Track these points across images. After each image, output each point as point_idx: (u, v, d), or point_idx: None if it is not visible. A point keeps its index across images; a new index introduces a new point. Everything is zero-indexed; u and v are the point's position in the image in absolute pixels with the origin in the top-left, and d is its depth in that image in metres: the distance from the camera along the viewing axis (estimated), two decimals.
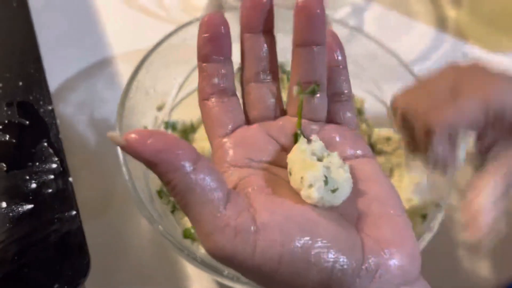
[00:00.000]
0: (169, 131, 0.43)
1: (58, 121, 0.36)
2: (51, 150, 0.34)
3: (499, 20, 0.54)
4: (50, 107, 0.36)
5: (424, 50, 0.56)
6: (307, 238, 0.19)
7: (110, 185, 0.41)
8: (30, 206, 0.32)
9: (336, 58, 0.25)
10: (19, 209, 0.31)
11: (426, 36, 0.57)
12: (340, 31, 0.44)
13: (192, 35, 0.44)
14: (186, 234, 0.37)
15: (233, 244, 0.19)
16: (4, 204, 0.31)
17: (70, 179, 0.33)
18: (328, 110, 0.25)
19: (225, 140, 0.23)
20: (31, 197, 0.32)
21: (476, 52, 0.55)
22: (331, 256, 0.19)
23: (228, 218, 0.19)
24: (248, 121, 0.24)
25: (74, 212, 0.32)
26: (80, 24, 0.53)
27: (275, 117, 0.24)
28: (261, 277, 0.20)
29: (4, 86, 0.36)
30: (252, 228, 0.19)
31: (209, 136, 0.24)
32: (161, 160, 0.18)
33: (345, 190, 0.21)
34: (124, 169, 0.35)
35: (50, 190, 0.32)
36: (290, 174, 0.21)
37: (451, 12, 0.60)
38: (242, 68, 0.24)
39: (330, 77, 0.24)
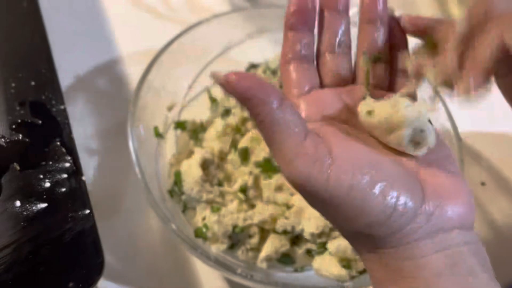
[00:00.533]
0: (179, 131, 0.43)
1: (70, 121, 0.36)
2: (63, 149, 0.34)
3: None
4: (62, 107, 0.36)
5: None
6: (375, 172, 0.22)
7: (122, 185, 0.41)
8: (44, 205, 0.32)
9: (396, 38, 0.28)
10: (33, 208, 0.31)
11: None
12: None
13: (201, 35, 0.44)
14: (198, 233, 0.37)
15: (311, 170, 0.21)
16: (18, 203, 0.31)
17: (83, 178, 0.33)
18: (390, 82, 0.28)
19: (301, 99, 0.26)
20: (44, 196, 0.32)
21: None
22: (395, 192, 0.21)
23: (307, 148, 0.21)
24: (321, 87, 0.28)
25: (87, 211, 0.32)
26: (89, 26, 0.53)
27: (346, 85, 0.28)
28: (329, 206, 0.22)
29: (17, 85, 0.36)
30: (327, 158, 0.22)
31: (287, 95, 0.27)
32: (253, 96, 0.21)
33: (431, 141, 0.23)
34: (137, 169, 0.35)
35: (63, 189, 0.32)
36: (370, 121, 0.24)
37: (455, 11, 0.60)
38: (319, 41, 0.28)
39: (393, 55, 0.28)
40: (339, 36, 0.27)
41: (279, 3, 0.53)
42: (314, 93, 0.26)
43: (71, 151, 0.34)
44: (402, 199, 0.21)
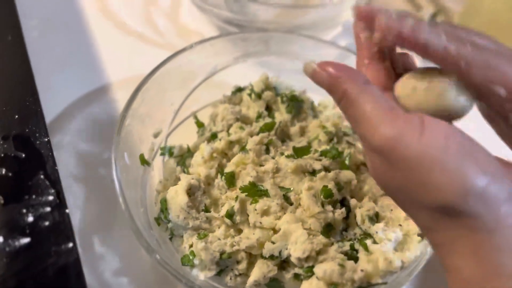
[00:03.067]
0: (166, 157, 0.43)
1: (54, 152, 0.36)
2: (47, 182, 0.34)
3: (491, 33, 0.54)
4: (46, 139, 0.36)
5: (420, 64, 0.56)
6: (469, 141, 0.22)
7: (110, 215, 0.41)
8: (27, 240, 0.32)
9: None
10: (16, 243, 0.31)
11: None
12: (332, 52, 0.45)
13: (187, 60, 0.45)
14: (184, 261, 0.36)
15: (401, 130, 0.21)
16: (1, 239, 0.31)
17: (67, 210, 0.33)
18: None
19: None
20: (28, 231, 0.32)
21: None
22: (492, 158, 0.21)
23: (397, 114, 0.22)
24: None
25: (71, 244, 0.32)
26: (77, 53, 0.54)
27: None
28: (420, 167, 0.21)
29: (1, 119, 0.37)
30: (418, 119, 0.22)
31: None
32: (341, 74, 0.24)
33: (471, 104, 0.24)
34: (120, 198, 0.35)
35: (46, 223, 0.33)
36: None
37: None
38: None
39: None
40: None
41: (265, 27, 0.54)
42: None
43: (55, 183, 0.34)
44: (498, 168, 0.21)
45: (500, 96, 0.22)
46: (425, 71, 0.26)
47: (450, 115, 0.25)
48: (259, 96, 0.45)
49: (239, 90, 0.47)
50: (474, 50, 0.23)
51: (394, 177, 0.22)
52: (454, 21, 0.59)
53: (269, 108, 0.46)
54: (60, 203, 0.33)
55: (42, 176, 0.34)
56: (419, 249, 0.35)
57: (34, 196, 0.33)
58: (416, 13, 0.26)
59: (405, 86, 0.26)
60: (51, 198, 0.34)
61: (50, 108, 0.47)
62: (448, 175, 0.20)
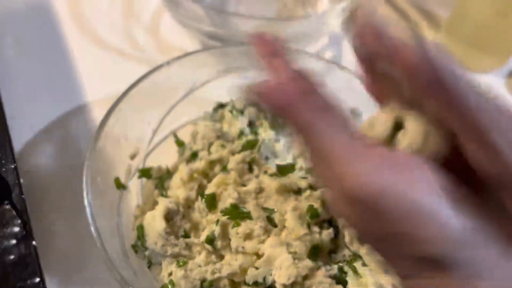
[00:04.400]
0: (144, 180, 0.41)
1: (22, 180, 0.34)
2: (13, 212, 0.32)
3: (478, 40, 0.52)
4: (12, 166, 0.34)
5: None
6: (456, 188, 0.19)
7: (84, 245, 0.38)
8: None
9: None
10: None
11: None
12: (316, 64, 0.43)
13: (164, 77, 0.43)
14: None
15: (390, 173, 0.18)
16: None
17: (34, 243, 0.31)
18: None
19: None
20: None
21: None
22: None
23: (380, 154, 0.19)
24: None
25: (37, 279, 0.30)
26: (54, 72, 0.52)
27: None
28: (407, 219, 0.18)
29: None
30: (408, 164, 0.19)
31: None
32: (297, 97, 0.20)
33: None
34: (92, 227, 0.33)
35: (12, 257, 0.30)
36: None
37: (429, 35, 0.60)
38: None
39: None
40: None
41: (243, 40, 0.52)
42: None
43: (22, 213, 0.32)
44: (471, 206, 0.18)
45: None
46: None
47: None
48: (241, 112, 0.44)
49: (221, 106, 0.45)
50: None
51: (377, 228, 0.19)
52: (442, 27, 0.58)
53: (252, 124, 0.44)
54: (26, 235, 0.31)
55: (7, 206, 0.32)
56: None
57: None
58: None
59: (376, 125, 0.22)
60: (17, 229, 0.32)
61: (22, 131, 0.45)
62: (443, 226, 0.18)
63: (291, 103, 0.19)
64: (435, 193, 0.18)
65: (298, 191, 0.37)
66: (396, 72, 0.20)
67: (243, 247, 0.35)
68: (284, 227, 0.36)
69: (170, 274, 0.35)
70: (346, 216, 0.20)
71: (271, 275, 0.34)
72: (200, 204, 0.38)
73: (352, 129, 0.19)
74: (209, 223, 0.37)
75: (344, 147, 0.19)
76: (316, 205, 0.36)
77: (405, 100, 0.21)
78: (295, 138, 0.20)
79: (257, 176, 0.39)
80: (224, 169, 0.39)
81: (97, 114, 0.49)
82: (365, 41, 0.21)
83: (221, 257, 0.36)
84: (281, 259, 0.34)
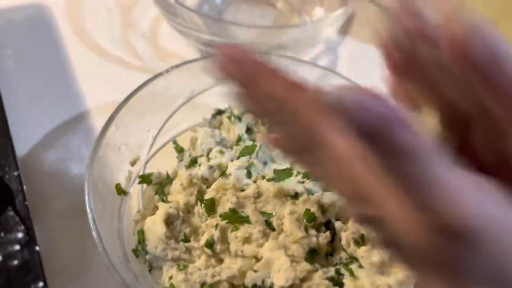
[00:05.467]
0: (144, 186, 0.41)
1: (25, 187, 0.34)
2: (17, 218, 0.33)
3: None
4: (15, 173, 0.35)
5: None
6: None
7: (86, 250, 0.39)
8: None
9: None
10: None
11: None
12: (312, 71, 0.44)
13: (164, 85, 0.44)
14: None
15: (486, 198, 0.16)
16: None
17: (37, 248, 0.32)
18: None
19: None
20: None
21: None
22: None
23: (466, 176, 0.16)
24: None
25: (41, 284, 0.30)
26: (54, 81, 0.53)
27: None
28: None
29: None
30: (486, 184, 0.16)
31: None
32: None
33: None
34: (94, 232, 0.33)
35: (15, 262, 0.31)
36: None
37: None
38: None
39: None
40: None
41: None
42: None
43: (25, 220, 0.33)
44: None
45: None
46: None
47: None
48: (239, 118, 0.44)
49: (219, 113, 0.46)
50: None
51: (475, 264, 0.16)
52: None
53: (250, 130, 0.45)
54: (30, 240, 0.32)
55: (11, 212, 0.33)
56: (406, 272, 0.34)
57: (2, 234, 0.32)
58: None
59: None
60: (20, 235, 0.32)
61: (24, 138, 0.46)
62: None
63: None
64: None
65: (295, 196, 0.38)
66: (440, 54, 0.18)
67: (242, 251, 0.36)
68: (282, 230, 0.36)
69: (171, 277, 0.36)
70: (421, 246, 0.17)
71: (269, 278, 0.35)
72: (199, 208, 0.38)
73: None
74: (209, 227, 0.37)
75: (447, 176, 0.16)
76: (313, 209, 0.36)
77: (433, 102, 0.20)
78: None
79: (255, 181, 0.40)
80: (223, 174, 0.40)
81: (98, 121, 0.50)
82: (404, 24, 0.19)
83: (221, 261, 0.36)
84: (279, 262, 0.34)
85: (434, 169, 0.16)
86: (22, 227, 0.32)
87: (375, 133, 0.16)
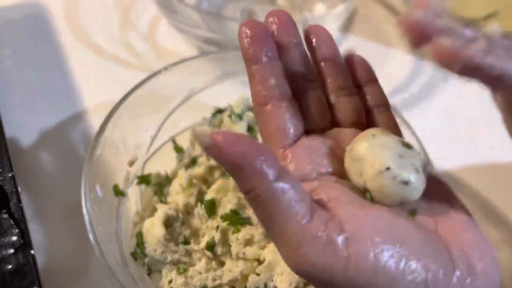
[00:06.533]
0: (143, 186, 0.40)
1: (19, 189, 0.33)
2: (11, 221, 0.32)
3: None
4: (10, 174, 0.34)
5: (404, 78, 0.54)
6: (399, 247, 0.18)
7: (83, 254, 0.38)
8: None
9: (365, 74, 0.26)
10: None
11: (406, 65, 0.56)
12: None
13: (162, 83, 0.43)
14: None
15: (324, 256, 0.18)
16: None
17: (32, 251, 0.31)
18: (371, 120, 0.25)
19: (288, 151, 0.22)
20: None
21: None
22: (424, 266, 0.18)
23: (316, 229, 0.18)
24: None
25: None
26: (52, 80, 0.52)
27: (325, 126, 0.24)
28: None
29: None
30: (342, 239, 0.18)
31: (269, 145, 0.23)
32: (247, 165, 0.17)
33: (418, 184, 0.20)
34: (90, 235, 0.32)
35: (9, 266, 0.30)
36: (354, 168, 0.21)
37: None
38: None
39: (366, 91, 0.26)
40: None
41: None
42: (302, 141, 0.23)
43: (20, 222, 0.32)
44: (432, 272, 0.18)
45: None
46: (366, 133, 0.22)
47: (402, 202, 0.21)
48: (239, 117, 0.43)
49: (219, 111, 0.45)
50: None
51: None
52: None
53: (251, 129, 0.44)
54: (24, 244, 0.31)
55: (5, 215, 0.32)
56: None
57: None
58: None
59: (354, 154, 0.22)
60: (14, 238, 0.31)
61: (20, 139, 0.45)
62: None
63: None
64: (368, 278, 0.18)
65: None
66: None
67: (243, 253, 0.35)
68: None
69: (170, 281, 0.35)
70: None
71: (272, 281, 0.34)
72: (199, 210, 0.37)
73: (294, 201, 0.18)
74: (209, 229, 0.36)
75: (288, 228, 0.18)
76: None
77: None
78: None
79: None
80: (224, 174, 0.39)
81: (95, 121, 0.48)
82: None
83: (222, 264, 0.35)
84: (282, 265, 0.33)
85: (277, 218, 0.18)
86: (17, 230, 0.31)
87: None
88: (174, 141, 0.43)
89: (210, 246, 0.35)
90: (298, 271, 0.18)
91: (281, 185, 0.18)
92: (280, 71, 0.23)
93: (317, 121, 0.24)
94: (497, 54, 0.18)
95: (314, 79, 0.25)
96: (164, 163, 0.43)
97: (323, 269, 0.18)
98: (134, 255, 0.36)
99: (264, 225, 0.19)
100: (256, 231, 0.35)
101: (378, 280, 0.18)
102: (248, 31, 0.22)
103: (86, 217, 0.33)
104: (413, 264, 0.18)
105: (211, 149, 0.17)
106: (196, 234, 0.37)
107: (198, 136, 0.17)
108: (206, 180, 0.40)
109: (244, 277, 0.34)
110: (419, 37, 0.19)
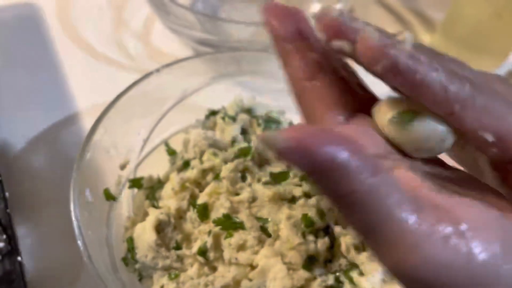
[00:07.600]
0: (135, 190, 0.40)
1: (7, 194, 0.33)
2: None
3: (474, 41, 0.52)
4: None
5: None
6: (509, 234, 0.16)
7: (73, 260, 0.37)
8: None
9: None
10: None
11: None
12: None
13: (154, 85, 0.42)
14: None
15: (445, 252, 0.15)
16: None
17: (19, 258, 0.30)
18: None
19: (349, 131, 0.19)
20: None
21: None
22: None
23: (430, 224, 0.15)
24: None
25: None
26: (44, 81, 0.51)
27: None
28: None
29: None
30: (458, 231, 0.16)
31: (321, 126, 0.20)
32: (342, 164, 0.14)
33: (450, 136, 0.19)
34: (79, 241, 0.32)
35: None
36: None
37: (425, 37, 0.59)
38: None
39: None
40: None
41: (239, 46, 0.51)
42: (356, 120, 0.20)
43: (6, 228, 0.31)
44: None
45: (485, 141, 0.18)
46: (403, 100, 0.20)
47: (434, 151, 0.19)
48: (233, 119, 0.43)
49: (213, 113, 0.44)
50: (473, 91, 0.17)
51: None
52: (437, 29, 0.57)
53: (245, 132, 0.43)
54: (11, 250, 0.30)
55: None
56: None
57: None
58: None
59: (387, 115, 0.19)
60: (1, 244, 0.31)
61: (8, 142, 0.44)
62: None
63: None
64: (492, 269, 0.16)
65: (292, 199, 0.36)
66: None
67: (236, 258, 0.34)
68: (278, 236, 0.35)
69: (162, 287, 0.34)
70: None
71: (265, 286, 0.33)
72: (192, 214, 0.37)
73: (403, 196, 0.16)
74: (201, 234, 0.36)
75: (405, 226, 0.16)
76: (311, 213, 0.35)
77: None
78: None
79: (250, 185, 0.38)
80: (217, 177, 0.38)
81: (88, 123, 0.48)
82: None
83: (214, 269, 0.35)
84: (275, 270, 0.33)
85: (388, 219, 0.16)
86: (4, 237, 0.31)
87: None
88: (167, 144, 0.43)
89: (202, 252, 0.34)
90: (414, 276, 0.16)
91: (382, 180, 0.15)
92: (319, 46, 0.20)
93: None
94: (420, 59, 0.17)
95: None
96: (156, 166, 0.42)
97: (447, 265, 0.15)
98: (125, 260, 0.36)
99: (364, 231, 0.16)
100: (249, 236, 0.34)
101: (505, 272, 0.16)
102: (275, 10, 0.21)
103: (75, 223, 0.32)
104: None
105: (289, 152, 0.14)
106: (188, 239, 0.36)
107: (268, 140, 0.14)
108: (199, 184, 0.39)
109: (237, 283, 0.33)
110: (334, 34, 0.18)
